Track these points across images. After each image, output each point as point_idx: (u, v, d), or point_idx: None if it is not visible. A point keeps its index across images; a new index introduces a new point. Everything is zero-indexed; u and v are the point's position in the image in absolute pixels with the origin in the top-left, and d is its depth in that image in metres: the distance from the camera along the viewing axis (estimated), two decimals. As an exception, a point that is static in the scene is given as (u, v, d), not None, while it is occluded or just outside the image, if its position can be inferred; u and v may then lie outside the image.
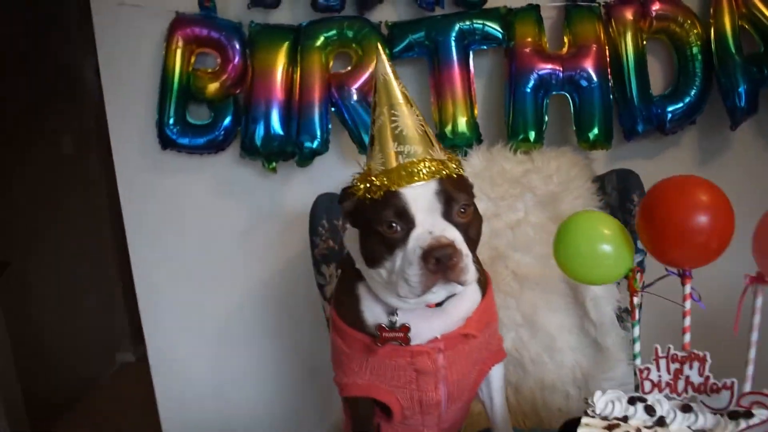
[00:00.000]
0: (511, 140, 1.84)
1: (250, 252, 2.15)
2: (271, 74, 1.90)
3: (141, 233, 2.18)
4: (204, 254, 2.17)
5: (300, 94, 1.89)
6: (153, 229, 2.17)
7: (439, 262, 1.00)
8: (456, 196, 1.06)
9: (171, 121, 1.97)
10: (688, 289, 0.97)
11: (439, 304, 1.13)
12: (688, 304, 0.97)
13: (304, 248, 2.00)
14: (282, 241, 2.12)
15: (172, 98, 1.96)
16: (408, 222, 1.03)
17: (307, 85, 1.89)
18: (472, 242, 1.08)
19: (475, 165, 1.79)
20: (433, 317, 1.14)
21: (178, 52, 1.94)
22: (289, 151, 1.93)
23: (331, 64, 1.92)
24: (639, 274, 1.00)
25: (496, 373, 1.29)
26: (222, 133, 1.98)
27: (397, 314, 1.13)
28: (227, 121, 1.98)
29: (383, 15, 1.91)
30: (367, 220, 1.06)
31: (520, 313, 1.70)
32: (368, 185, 1.05)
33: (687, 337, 0.97)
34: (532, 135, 1.82)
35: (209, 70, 1.96)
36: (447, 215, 1.05)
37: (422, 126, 1.07)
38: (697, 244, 0.92)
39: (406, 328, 1.12)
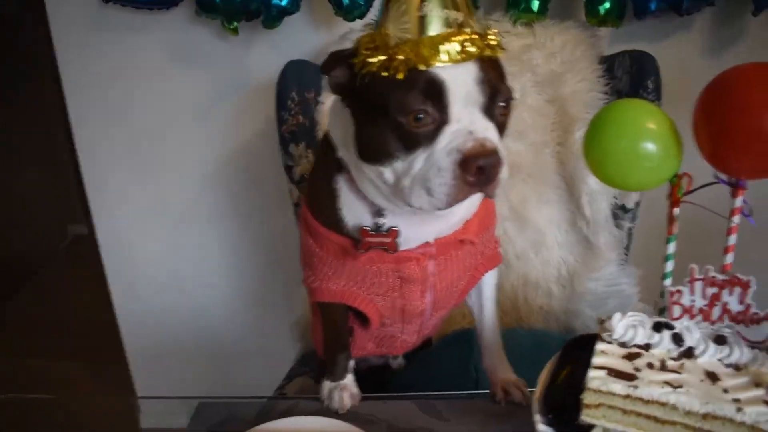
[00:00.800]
0: (511, 9, 1.61)
1: (208, 126, 1.92)
2: None
3: (83, 102, 1.93)
4: (155, 126, 1.94)
5: (267, -60, 1.61)
6: (96, 97, 1.92)
7: (482, 173, 0.78)
8: (500, 86, 0.83)
9: (112, -33, 1.68)
10: (739, 201, 0.80)
11: None
12: (736, 219, 0.81)
13: (268, 123, 1.80)
14: (245, 114, 1.90)
15: (112, -60, 1.67)
16: (441, 114, 0.79)
17: (275, -71, 1.60)
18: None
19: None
20: (426, 219, 0.95)
21: None
22: (254, 9, 1.67)
23: None
24: (687, 180, 0.82)
25: (489, 280, 1.14)
26: (174, -17, 1.70)
27: (384, 215, 0.94)
28: (180, -31, 1.69)
29: None
30: (379, 102, 0.81)
31: (507, 205, 1.56)
32: (386, 58, 0.79)
33: (729, 258, 0.82)
34: (535, 4, 1.60)
35: None
36: (489, 111, 0.82)
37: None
38: (768, 152, 0.75)
39: (394, 233, 0.93)
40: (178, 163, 1.98)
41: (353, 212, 0.96)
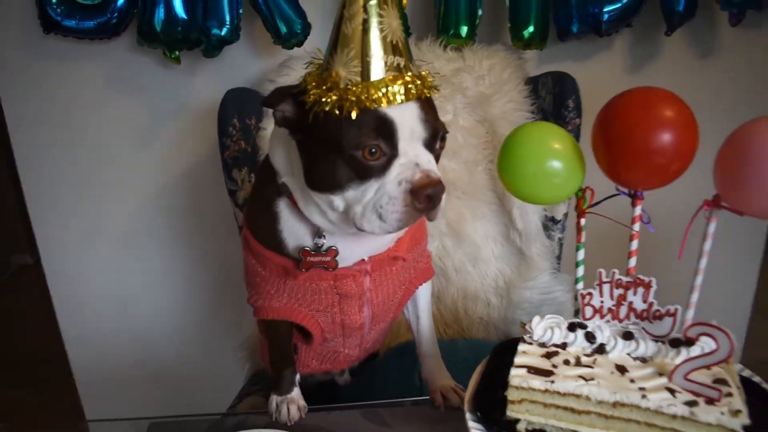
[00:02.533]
0: (441, 35, 1.71)
1: (152, 153, 1.96)
2: (171, -52, 1.65)
3: (24, 131, 1.94)
4: (99, 155, 1.97)
5: (206, -28, 1.66)
6: (38, 125, 1.93)
7: (429, 200, 0.88)
8: (438, 123, 0.93)
9: (54, -1, 1.71)
10: (638, 210, 0.90)
11: None
12: (636, 227, 0.90)
13: (212, 149, 1.85)
14: (189, 141, 1.94)
15: (54, -28, 1.70)
16: (392, 149, 0.88)
17: (214, -38, 1.66)
18: None
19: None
20: (362, 239, 1.02)
21: None
22: (195, 38, 1.72)
23: (241, -61, 1.69)
24: (590, 194, 0.92)
25: (423, 292, 1.21)
26: (115, 15, 1.73)
27: (324, 236, 1.01)
28: (121, 1, 1.72)
29: None
30: (333, 138, 0.88)
31: (444, 221, 1.64)
32: (338, 98, 0.86)
33: (632, 262, 0.91)
34: (464, 30, 1.70)
35: (98, -59, 1.68)
36: (429, 145, 0.91)
37: (406, 30, 0.90)
38: (656, 165, 0.85)
39: (333, 252, 1.01)
40: (122, 189, 1.99)
41: (293, 234, 1.03)
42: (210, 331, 2.17)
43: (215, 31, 1.68)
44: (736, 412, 0.77)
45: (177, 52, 1.75)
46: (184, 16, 1.68)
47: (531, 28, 1.69)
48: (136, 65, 1.86)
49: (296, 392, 1.15)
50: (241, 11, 1.69)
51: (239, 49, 1.80)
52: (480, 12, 1.70)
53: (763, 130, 0.76)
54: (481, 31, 1.74)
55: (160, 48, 1.74)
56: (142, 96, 1.90)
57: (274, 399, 1.14)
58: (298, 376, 1.17)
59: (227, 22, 1.68)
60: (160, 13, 1.67)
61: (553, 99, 1.63)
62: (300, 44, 1.71)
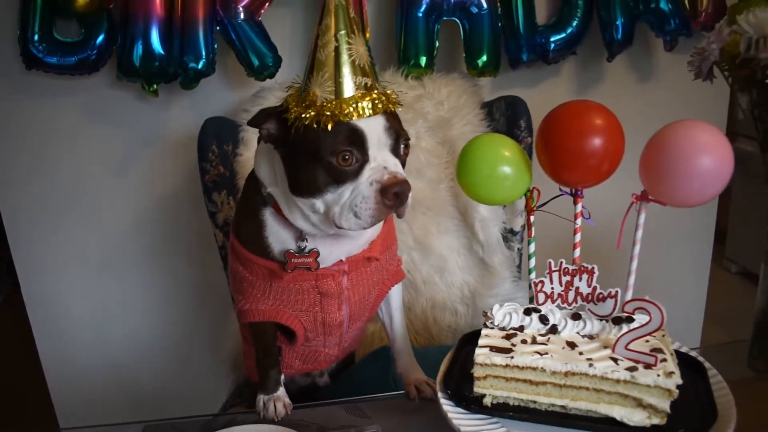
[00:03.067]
0: (402, 65, 1.85)
1: (131, 181, 2.04)
2: (148, -13, 1.76)
3: (5, 164, 2.00)
4: (79, 185, 2.04)
5: (182, 10, 1.77)
6: (20, 158, 2.00)
7: (397, 197, 1.01)
8: (402, 132, 1.07)
9: (36, 37, 1.81)
10: (579, 207, 1.04)
11: None
12: (579, 222, 1.04)
13: (189, 176, 1.95)
14: (166, 169, 2.03)
15: (36, 12, 1.80)
16: (363, 155, 1.02)
17: (189, 1, 1.76)
18: None
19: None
20: (340, 241, 1.14)
21: (41, -40, 1.76)
22: (172, 72, 1.82)
23: (215, -21, 1.81)
24: (537, 193, 1.06)
25: (395, 293, 1.33)
26: (95, 51, 1.84)
27: (306, 239, 1.12)
28: (100, 38, 1.83)
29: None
30: (313, 148, 1.01)
31: (412, 236, 1.75)
32: (315, 113, 0.99)
33: (577, 252, 1.05)
34: (423, 60, 1.83)
35: (77, -18, 1.79)
36: (395, 150, 1.05)
37: (371, 55, 1.04)
38: (589, 166, 0.99)
39: (315, 253, 1.12)
40: (101, 215, 2.06)
41: (278, 239, 1.14)
42: (190, 352, 2.23)
43: (192, 65, 1.78)
44: (669, 374, 0.90)
45: (155, 86, 1.85)
46: (161, 51, 1.77)
47: (484, 58, 1.85)
48: (115, 98, 1.94)
49: (282, 391, 1.25)
50: (215, 46, 1.80)
51: (214, 81, 1.90)
52: (437, 44, 1.85)
53: (675, 133, 0.91)
54: (439, 61, 1.88)
55: (139, 82, 1.84)
56: (120, 127, 1.99)
57: (261, 398, 1.23)
58: (283, 376, 1.27)
59: (203, 56, 1.78)
60: (139, 49, 1.76)
61: (507, 121, 1.78)
62: (272, 76, 1.83)
